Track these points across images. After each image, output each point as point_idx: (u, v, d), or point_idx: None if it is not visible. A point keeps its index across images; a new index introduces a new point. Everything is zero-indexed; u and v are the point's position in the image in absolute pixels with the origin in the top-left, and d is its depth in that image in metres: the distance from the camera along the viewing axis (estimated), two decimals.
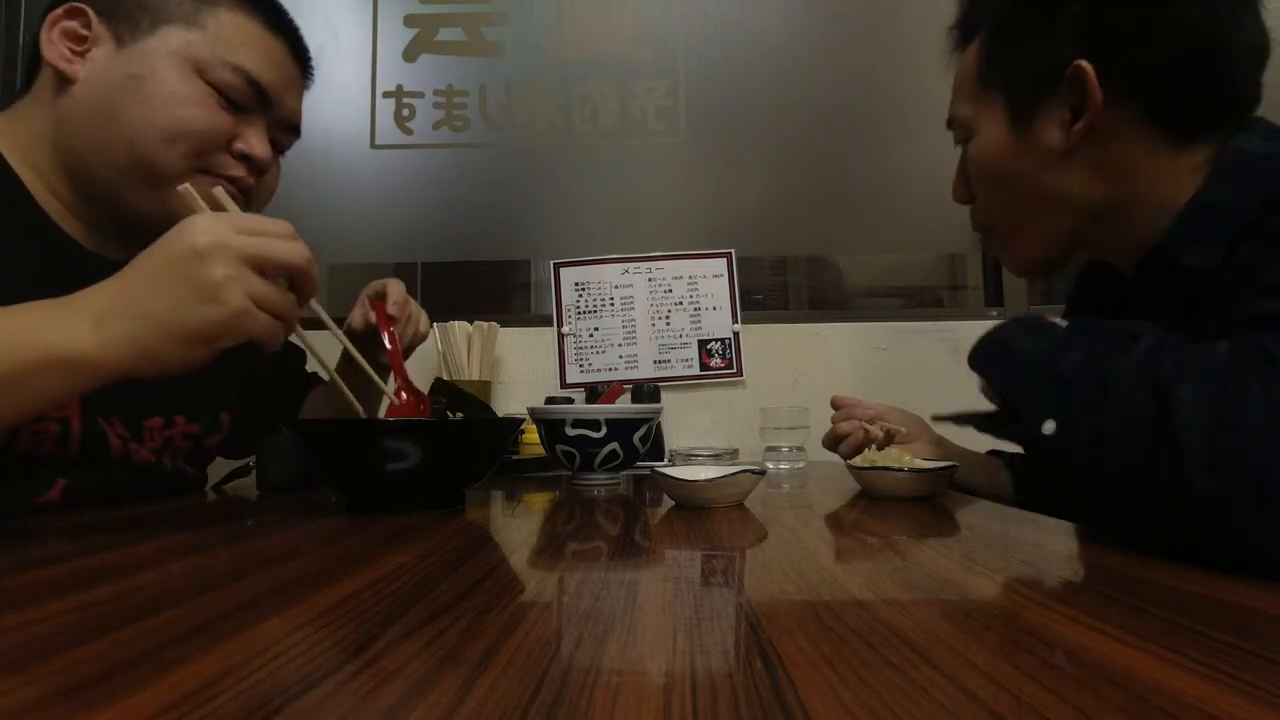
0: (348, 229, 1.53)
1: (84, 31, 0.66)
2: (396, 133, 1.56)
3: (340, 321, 0.80)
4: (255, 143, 0.71)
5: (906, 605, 0.33)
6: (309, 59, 0.79)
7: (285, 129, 0.77)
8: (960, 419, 0.57)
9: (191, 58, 0.67)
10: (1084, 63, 0.57)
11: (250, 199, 0.74)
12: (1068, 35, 0.59)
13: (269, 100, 0.72)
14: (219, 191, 0.61)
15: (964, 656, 0.25)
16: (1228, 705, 0.21)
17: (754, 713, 0.20)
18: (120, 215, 0.70)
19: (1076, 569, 0.39)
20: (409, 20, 1.58)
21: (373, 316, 0.83)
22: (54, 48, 0.66)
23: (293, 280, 0.55)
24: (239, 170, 0.71)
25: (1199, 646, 0.26)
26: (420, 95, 1.56)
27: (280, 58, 0.73)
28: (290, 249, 0.53)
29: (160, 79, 0.66)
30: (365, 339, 0.83)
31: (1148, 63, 0.57)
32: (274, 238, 0.53)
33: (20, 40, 1.57)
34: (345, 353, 0.77)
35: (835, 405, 0.89)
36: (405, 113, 1.56)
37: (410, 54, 1.57)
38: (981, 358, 0.54)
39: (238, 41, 0.69)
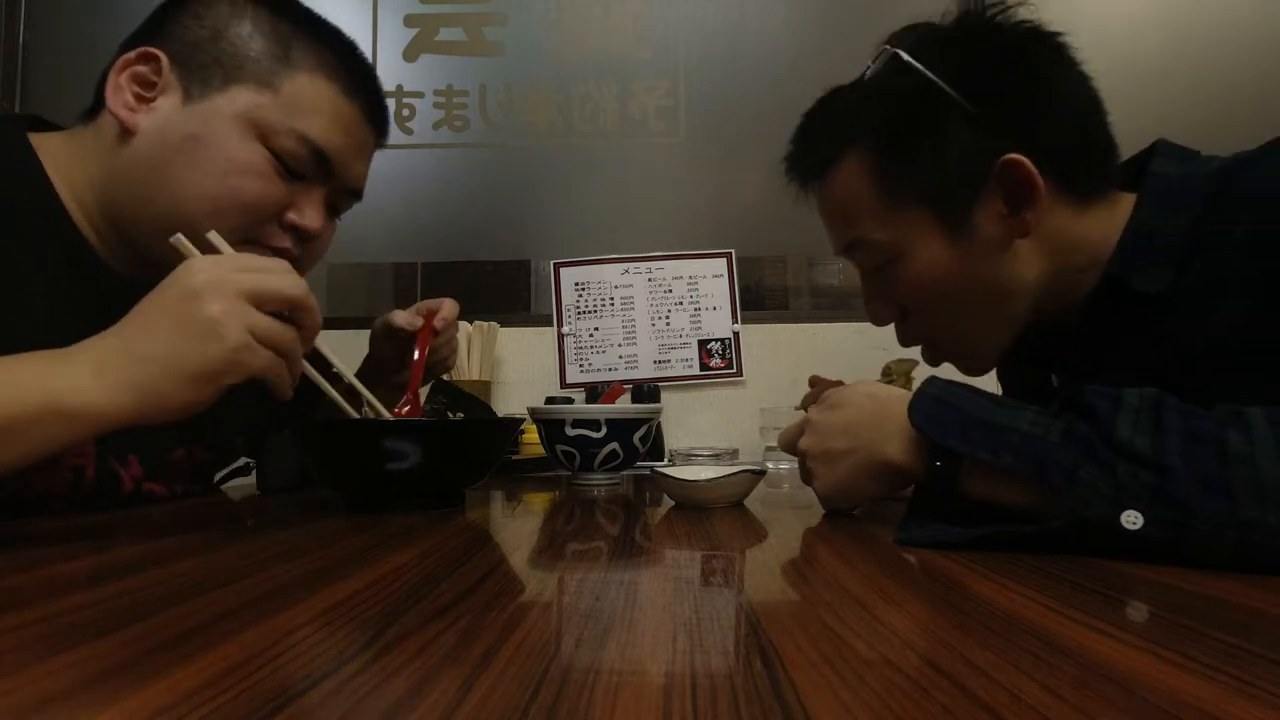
0: (347, 229, 1.50)
1: (154, 78, 0.63)
2: (396, 133, 1.55)
3: (336, 321, 0.78)
4: (309, 213, 0.67)
5: (907, 605, 0.33)
6: (386, 121, 0.74)
7: (347, 194, 0.73)
8: (950, 540, 0.46)
9: (256, 121, 0.63)
10: (1017, 155, 0.57)
11: (296, 267, 0.68)
12: (971, 131, 0.58)
13: (331, 169, 0.68)
14: (213, 235, 0.58)
15: (964, 656, 0.25)
16: (1228, 705, 0.21)
17: (754, 713, 0.20)
18: (151, 261, 0.65)
19: (1076, 569, 0.39)
20: (409, 20, 1.58)
21: (418, 323, 0.82)
22: (119, 94, 0.62)
23: (294, 315, 0.54)
24: (285, 241, 0.67)
25: (1199, 646, 0.26)
26: (420, 95, 1.56)
27: (353, 123, 0.69)
28: (287, 281, 0.53)
29: (218, 143, 0.62)
30: (392, 343, 0.83)
31: (1053, 136, 0.58)
32: (270, 273, 0.53)
33: (20, 40, 1.56)
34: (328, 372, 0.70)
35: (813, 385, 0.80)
36: (405, 113, 1.56)
37: (410, 54, 1.57)
38: (989, 445, 0.47)
39: (309, 108, 0.65)
